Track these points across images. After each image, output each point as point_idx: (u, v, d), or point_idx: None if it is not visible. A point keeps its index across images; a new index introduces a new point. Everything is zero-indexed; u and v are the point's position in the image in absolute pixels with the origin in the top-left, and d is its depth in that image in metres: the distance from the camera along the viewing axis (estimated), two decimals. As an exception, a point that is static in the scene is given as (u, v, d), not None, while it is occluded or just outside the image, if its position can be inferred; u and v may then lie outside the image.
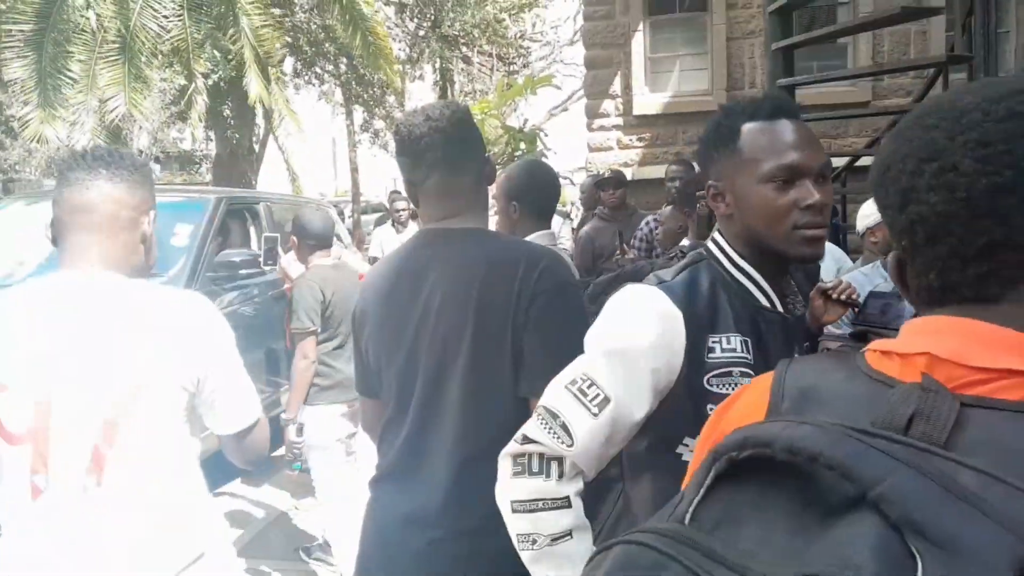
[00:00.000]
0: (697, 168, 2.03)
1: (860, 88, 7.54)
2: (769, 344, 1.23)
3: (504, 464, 1.24)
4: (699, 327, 1.19)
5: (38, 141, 10.87)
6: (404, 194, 6.51)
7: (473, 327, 1.50)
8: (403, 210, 6.46)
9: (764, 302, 1.26)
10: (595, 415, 1.15)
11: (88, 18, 10.81)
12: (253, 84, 10.51)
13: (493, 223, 2.43)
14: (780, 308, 1.28)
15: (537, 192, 2.43)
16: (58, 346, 1.35)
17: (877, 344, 0.65)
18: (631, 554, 0.51)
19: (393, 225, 6.64)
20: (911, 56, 7.45)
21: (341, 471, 3.40)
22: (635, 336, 1.19)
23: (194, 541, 1.46)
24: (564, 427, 1.16)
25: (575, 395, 1.18)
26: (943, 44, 6.90)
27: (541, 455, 1.19)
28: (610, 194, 4.81)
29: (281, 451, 3.53)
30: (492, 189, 1.96)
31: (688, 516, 0.52)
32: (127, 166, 1.49)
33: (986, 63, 4.14)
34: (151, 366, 1.38)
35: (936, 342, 0.59)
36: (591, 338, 1.23)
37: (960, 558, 0.41)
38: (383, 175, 30.01)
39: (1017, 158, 0.56)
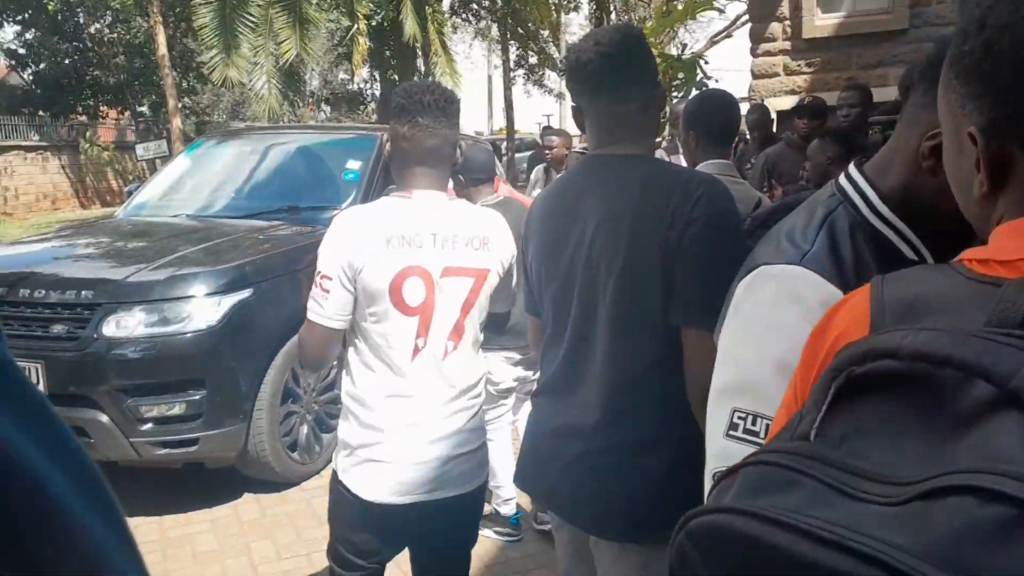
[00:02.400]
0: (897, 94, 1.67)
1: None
2: None
3: None
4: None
5: (223, 84, 11.74)
6: (554, 132, 6.44)
7: (625, 253, 1.51)
8: (554, 147, 6.13)
9: (911, 255, 1.04)
10: None
11: (265, -36, 11.44)
12: (408, 22, 10.77)
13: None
14: (929, 259, 1.06)
15: (712, 121, 2.46)
16: (440, 246, 1.81)
17: (971, 253, 0.62)
18: (761, 473, 0.50)
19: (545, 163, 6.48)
20: None
21: (505, 413, 3.35)
22: (797, 341, 0.87)
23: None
24: None
25: (743, 440, 1.01)
26: None
27: None
28: (804, 123, 4.46)
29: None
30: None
31: (813, 433, 0.52)
32: (454, 112, 1.88)
33: None
34: (489, 261, 1.87)
35: None
36: (736, 352, 1.06)
37: None
38: (537, 112, 29.88)
39: None
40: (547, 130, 6.85)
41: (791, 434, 0.55)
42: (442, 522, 1.87)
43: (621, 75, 1.57)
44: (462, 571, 2.04)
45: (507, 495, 3.34)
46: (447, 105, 1.83)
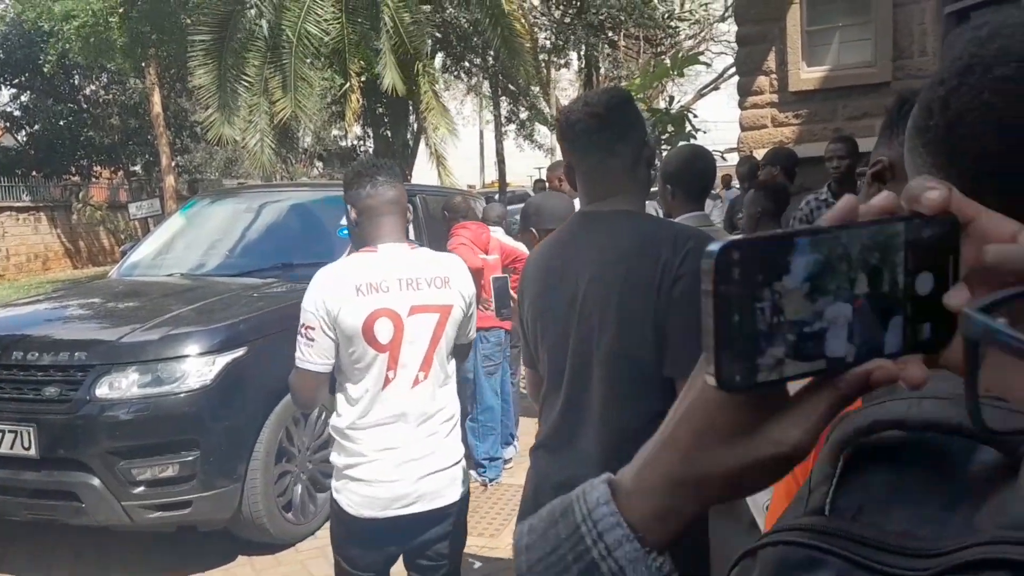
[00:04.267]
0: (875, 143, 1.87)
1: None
2: None
3: None
4: None
5: (219, 143, 11.87)
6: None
7: (618, 307, 1.55)
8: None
9: None
10: None
11: (260, 25, 11.68)
12: (387, 73, 10.95)
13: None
14: None
15: (690, 175, 2.54)
16: (406, 288, 2.07)
17: None
18: (781, 555, 0.48)
19: None
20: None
21: None
22: None
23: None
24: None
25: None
26: None
27: None
28: (772, 170, 4.75)
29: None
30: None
31: (827, 507, 0.50)
32: (399, 173, 2.21)
33: None
34: (452, 297, 2.13)
35: None
36: None
37: None
38: (528, 165, 30.33)
39: None
40: (540, 183, 7.07)
41: (803, 509, 0.53)
42: (425, 533, 2.14)
43: (609, 133, 1.64)
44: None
45: None
46: (394, 169, 2.19)
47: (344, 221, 4.92)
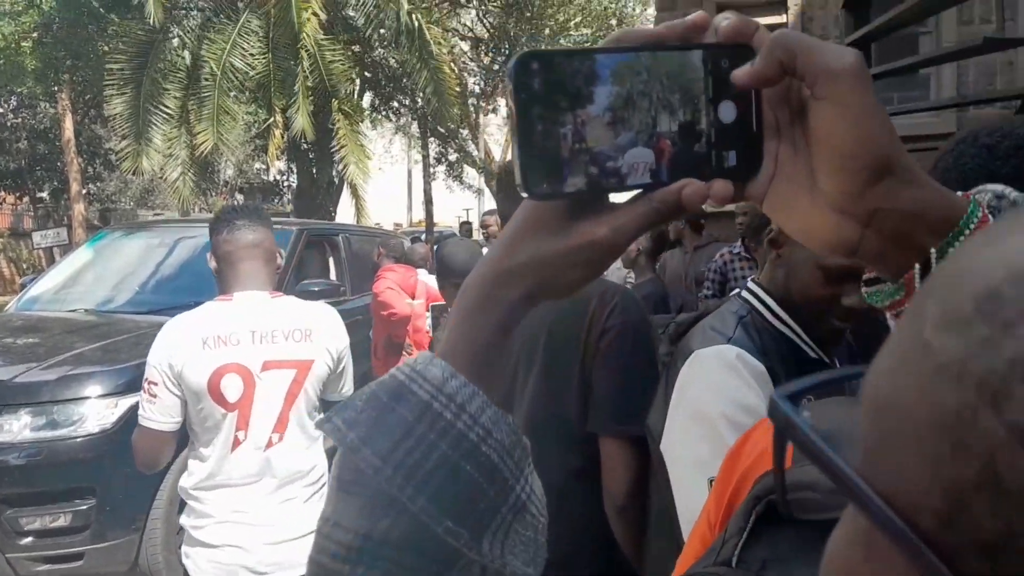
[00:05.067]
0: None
1: (944, 119, 7.33)
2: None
3: None
4: (774, 384, 1.14)
5: (134, 173, 11.49)
6: (491, 212, 6.85)
7: (542, 357, 1.55)
8: (490, 226, 6.52)
9: (812, 355, 1.22)
10: None
11: (183, 56, 11.46)
12: (300, 117, 10.88)
13: None
14: (825, 358, 1.24)
15: None
16: (259, 342, 1.92)
17: None
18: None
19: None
20: (997, 85, 7.21)
21: None
22: (746, 398, 1.10)
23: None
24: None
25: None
26: (1033, 73, 6.66)
27: None
28: (676, 226, 4.84)
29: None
30: None
31: (735, 559, 0.53)
32: (267, 218, 2.07)
33: (1078, 94, 3.98)
34: (313, 352, 1.98)
35: None
36: (697, 425, 1.14)
37: None
38: (457, 206, 30.50)
39: None
40: (468, 224, 7.19)
41: (715, 558, 0.55)
42: None
43: None
44: None
45: None
46: (258, 211, 2.07)
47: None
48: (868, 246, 0.42)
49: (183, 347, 1.89)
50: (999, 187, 0.45)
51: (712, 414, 1.10)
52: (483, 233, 6.87)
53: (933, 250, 0.41)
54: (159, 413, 1.91)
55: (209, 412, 1.91)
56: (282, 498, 1.97)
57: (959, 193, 0.44)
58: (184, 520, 2.00)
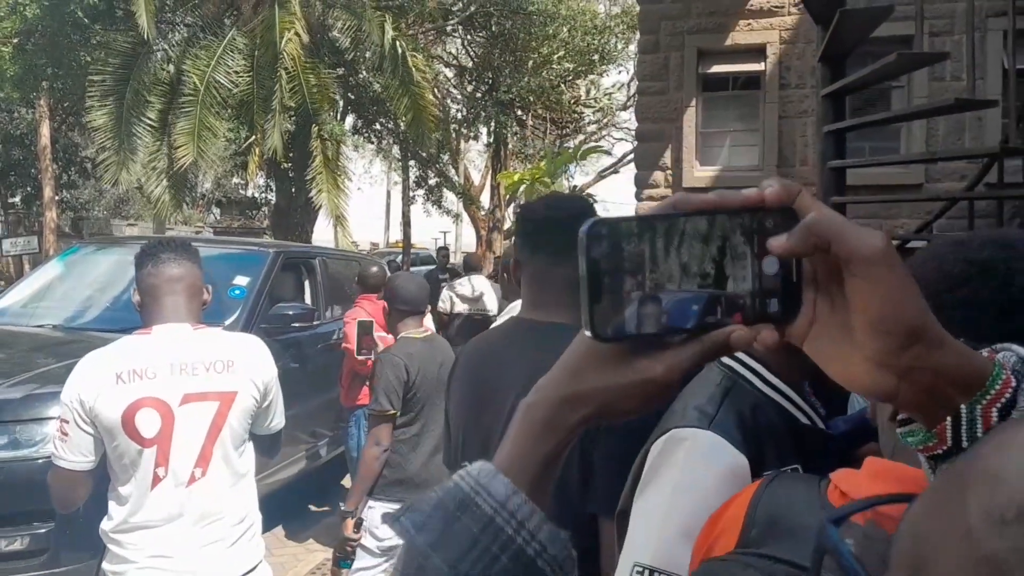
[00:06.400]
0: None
1: (913, 171, 7.52)
2: (816, 463, 1.12)
3: None
4: (759, 468, 1.07)
5: (115, 184, 11.39)
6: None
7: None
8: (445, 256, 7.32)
9: (804, 420, 1.17)
10: None
11: (168, 71, 11.43)
12: (272, 138, 10.93)
13: None
14: (819, 423, 1.20)
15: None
16: (178, 374, 1.87)
17: (840, 478, 0.73)
18: None
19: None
20: (966, 142, 7.43)
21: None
22: (703, 507, 0.98)
23: (257, 518, 2.05)
24: None
25: None
26: (999, 130, 6.88)
27: None
28: None
29: (325, 507, 3.56)
30: None
31: None
32: (193, 251, 2.03)
33: (1041, 157, 4.12)
34: (236, 383, 1.93)
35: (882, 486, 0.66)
36: (648, 513, 1.08)
37: None
38: (435, 228, 30.51)
39: None
40: (443, 249, 7.48)
41: None
42: None
43: (562, 240, 1.55)
44: None
45: None
46: (185, 246, 2.04)
47: (237, 280, 4.83)
48: (905, 396, 0.47)
49: (95, 382, 1.83)
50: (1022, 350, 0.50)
51: (667, 515, 1.05)
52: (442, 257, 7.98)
53: (963, 407, 0.46)
54: (71, 452, 1.84)
55: (125, 449, 1.84)
56: (206, 540, 1.89)
57: (984, 352, 0.49)
58: (106, 566, 1.92)
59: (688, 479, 1.06)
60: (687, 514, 1.01)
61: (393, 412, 2.94)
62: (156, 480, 1.85)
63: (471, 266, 7.27)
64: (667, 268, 0.48)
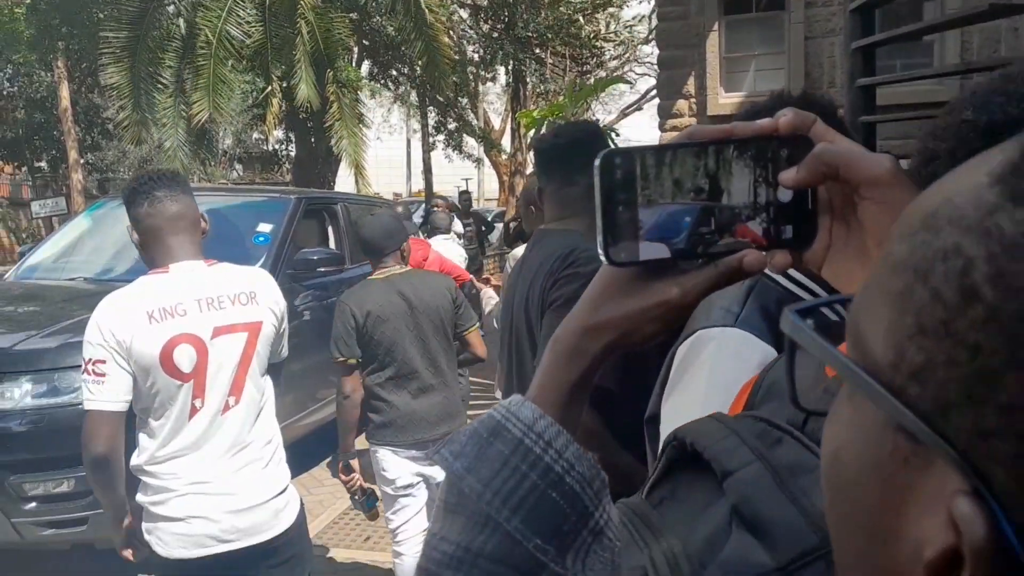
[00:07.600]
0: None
1: (947, 86, 7.26)
2: None
3: None
4: None
5: (137, 144, 11.42)
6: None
7: (524, 314, 1.75)
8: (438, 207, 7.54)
9: None
10: None
11: (179, 25, 11.32)
12: (302, 86, 10.78)
13: None
14: None
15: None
16: (207, 309, 1.90)
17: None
18: (619, 510, 0.59)
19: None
20: (1002, 53, 7.13)
21: (413, 517, 2.99)
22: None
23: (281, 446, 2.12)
24: None
25: None
26: (1038, 40, 6.59)
27: None
28: None
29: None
30: None
31: (645, 491, 0.61)
32: (184, 182, 2.02)
33: (1083, 60, 3.93)
34: (261, 313, 1.99)
35: None
36: (687, 408, 1.07)
37: (766, 539, 0.48)
38: (457, 176, 30.36)
39: None
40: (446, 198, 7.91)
41: (643, 490, 0.63)
42: (251, 569, 1.96)
43: (571, 162, 1.80)
44: None
45: None
46: (175, 179, 2.00)
47: (261, 227, 4.84)
48: None
49: (128, 322, 1.82)
50: None
51: (706, 406, 1.00)
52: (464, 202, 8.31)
53: None
54: (111, 392, 1.83)
55: (163, 385, 1.86)
56: (241, 463, 1.95)
57: None
58: (141, 498, 1.94)
59: (720, 377, 1.05)
60: (718, 408, 0.99)
61: (347, 359, 2.85)
62: (194, 411, 1.90)
63: (435, 226, 6.30)
64: (680, 196, 0.50)
